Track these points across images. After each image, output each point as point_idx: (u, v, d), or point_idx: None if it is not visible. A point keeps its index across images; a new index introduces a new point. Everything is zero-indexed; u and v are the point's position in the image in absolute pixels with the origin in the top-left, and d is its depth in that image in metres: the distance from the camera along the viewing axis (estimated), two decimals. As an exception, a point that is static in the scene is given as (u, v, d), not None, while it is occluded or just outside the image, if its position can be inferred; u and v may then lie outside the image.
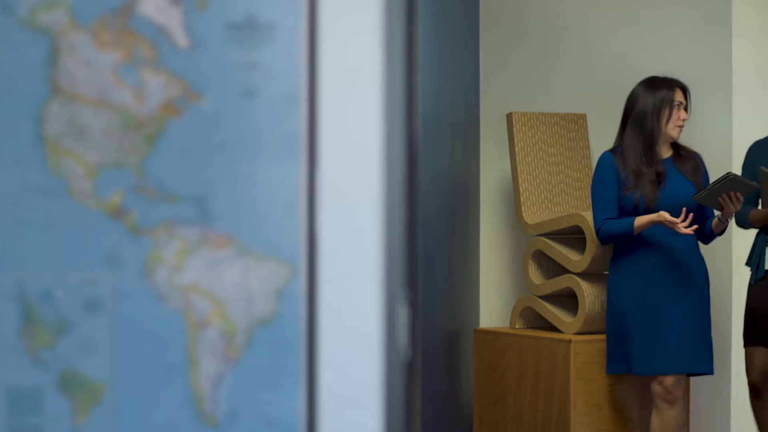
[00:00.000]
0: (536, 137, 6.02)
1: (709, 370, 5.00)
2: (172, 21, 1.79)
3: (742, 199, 4.80)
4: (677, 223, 4.79)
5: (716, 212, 5.03)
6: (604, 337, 5.31)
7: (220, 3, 1.78)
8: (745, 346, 5.22)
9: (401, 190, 1.67)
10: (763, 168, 4.92)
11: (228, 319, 1.78)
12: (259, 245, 1.77)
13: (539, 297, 5.91)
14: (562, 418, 5.48)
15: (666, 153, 5.10)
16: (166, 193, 1.79)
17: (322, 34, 1.70)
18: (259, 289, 1.77)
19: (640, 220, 4.94)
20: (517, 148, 5.97)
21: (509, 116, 6.04)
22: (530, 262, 5.93)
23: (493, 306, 6.39)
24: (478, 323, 6.31)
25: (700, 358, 4.97)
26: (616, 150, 5.05)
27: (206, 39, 1.78)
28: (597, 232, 5.04)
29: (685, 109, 5.06)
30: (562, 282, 5.73)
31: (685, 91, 5.07)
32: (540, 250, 5.89)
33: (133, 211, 1.80)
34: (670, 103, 5.02)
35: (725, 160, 5.58)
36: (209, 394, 1.78)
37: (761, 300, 5.17)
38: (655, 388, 5.02)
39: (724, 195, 4.80)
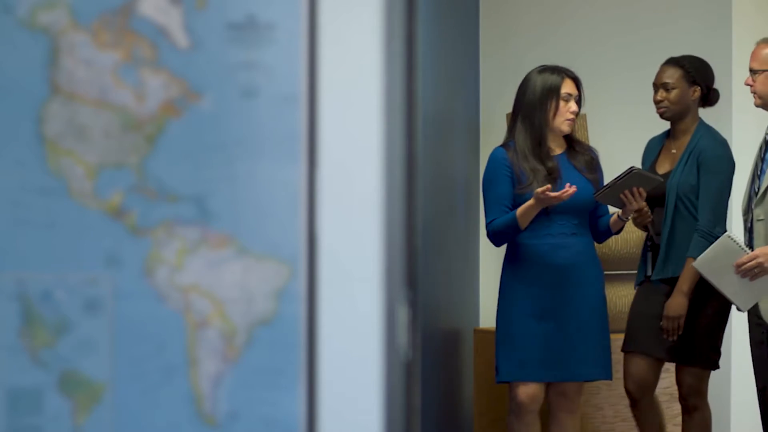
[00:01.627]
0: (536, 137, 6.02)
1: (606, 376, 4.63)
2: (172, 21, 1.79)
3: (644, 194, 4.47)
4: (559, 194, 4.35)
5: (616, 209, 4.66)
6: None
7: (220, 3, 1.78)
8: (623, 351, 4.88)
9: (401, 190, 1.67)
10: (634, 166, 4.60)
11: (228, 319, 1.78)
12: (259, 245, 1.77)
13: (539, 297, 5.90)
14: (562, 418, 5.48)
15: (559, 148, 4.65)
16: (166, 193, 1.79)
17: (322, 34, 1.70)
18: (259, 289, 1.77)
19: (520, 210, 4.47)
20: (517, 148, 5.97)
21: (509, 116, 6.04)
22: (530, 262, 5.93)
23: (493, 306, 6.39)
24: (478, 323, 6.31)
25: (597, 365, 4.59)
26: (509, 145, 4.61)
27: (206, 39, 1.78)
28: (488, 234, 4.62)
29: (578, 102, 4.61)
30: (562, 282, 5.74)
31: (576, 81, 4.63)
32: (540, 250, 5.89)
33: (133, 211, 1.80)
34: (557, 94, 4.57)
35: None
36: (209, 394, 1.79)
37: (642, 306, 4.83)
38: (553, 396, 4.66)
39: (626, 191, 4.45)
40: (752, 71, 4.64)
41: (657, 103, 4.82)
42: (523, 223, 4.51)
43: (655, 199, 4.67)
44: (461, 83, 6.14)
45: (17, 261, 1.80)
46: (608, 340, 4.64)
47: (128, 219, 1.80)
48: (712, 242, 4.52)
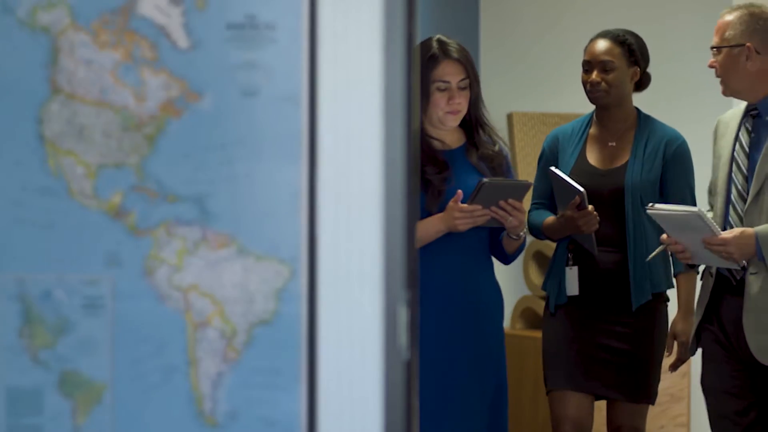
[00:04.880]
0: (536, 137, 6.02)
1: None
2: (172, 21, 1.79)
3: (519, 205, 3.53)
4: (471, 213, 3.48)
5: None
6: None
7: (220, 3, 1.78)
8: (550, 391, 3.98)
9: (401, 190, 1.67)
10: (552, 168, 3.86)
11: (228, 319, 1.78)
12: (259, 245, 1.78)
13: (539, 297, 5.91)
14: (562, 418, 5.47)
15: (456, 141, 3.71)
16: (166, 193, 1.79)
17: (322, 34, 1.70)
18: (259, 289, 1.78)
19: (423, 226, 3.54)
20: (517, 148, 5.97)
21: (509, 116, 6.05)
22: (530, 262, 5.93)
23: (493, 306, 6.39)
24: (478, 323, 6.30)
25: (495, 422, 3.59)
26: None
27: (206, 39, 1.78)
28: None
29: (469, 88, 3.61)
30: (562, 282, 5.73)
31: (464, 63, 3.62)
32: (540, 251, 5.89)
33: (133, 211, 1.80)
34: (428, 79, 3.56)
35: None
36: (209, 394, 1.79)
37: (570, 332, 3.96)
38: None
39: (493, 207, 3.49)
40: (714, 49, 3.79)
41: (593, 84, 4.00)
42: (419, 243, 3.51)
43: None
44: (461, 83, 6.13)
45: (17, 261, 1.80)
46: (504, 387, 3.70)
47: (128, 219, 1.80)
48: None
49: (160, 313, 1.79)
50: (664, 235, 3.66)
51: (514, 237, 3.60)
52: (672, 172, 4.00)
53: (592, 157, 4.02)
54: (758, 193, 3.59)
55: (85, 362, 1.80)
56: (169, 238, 1.79)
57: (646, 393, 3.98)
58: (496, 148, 3.74)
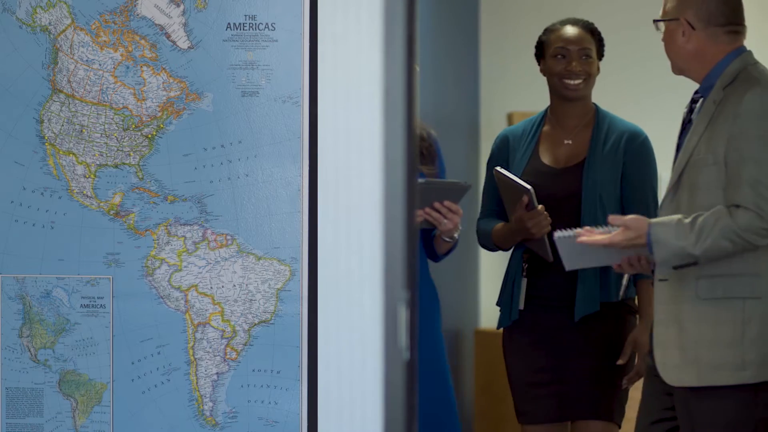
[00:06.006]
0: (536, 137, 6.02)
1: None
2: (172, 21, 1.79)
3: (456, 208, 3.18)
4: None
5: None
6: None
7: (220, 3, 1.78)
8: (522, 423, 3.53)
9: (401, 190, 1.66)
10: (498, 168, 3.43)
11: (228, 319, 1.79)
12: (259, 245, 1.78)
13: (539, 297, 5.89)
14: (562, 419, 5.46)
15: None
16: (166, 193, 1.79)
17: (322, 34, 1.70)
18: (259, 289, 1.78)
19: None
20: (517, 148, 5.97)
21: (509, 116, 6.04)
22: (530, 262, 5.91)
23: (493, 306, 6.39)
24: (478, 324, 6.31)
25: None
26: None
27: (206, 39, 1.78)
28: None
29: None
30: (562, 282, 5.72)
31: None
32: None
33: (133, 211, 1.80)
34: None
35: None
36: (209, 394, 1.79)
37: (526, 356, 3.50)
38: None
39: (427, 209, 3.20)
40: (659, 22, 3.16)
41: (574, 73, 3.53)
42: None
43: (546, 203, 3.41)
44: (461, 83, 6.14)
45: (17, 261, 1.80)
46: (451, 400, 3.40)
47: (128, 219, 1.80)
48: None
49: (160, 313, 1.79)
50: (615, 265, 3.01)
51: (448, 239, 3.30)
52: (633, 172, 3.48)
53: (546, 157, 3.54)
54: (676, 187, 3.00)
55: (85, 362, 1.80)
56: (169, 238, 1.79)
57: (610, 409, 3.46)
58: (427, 142, 3.44)
